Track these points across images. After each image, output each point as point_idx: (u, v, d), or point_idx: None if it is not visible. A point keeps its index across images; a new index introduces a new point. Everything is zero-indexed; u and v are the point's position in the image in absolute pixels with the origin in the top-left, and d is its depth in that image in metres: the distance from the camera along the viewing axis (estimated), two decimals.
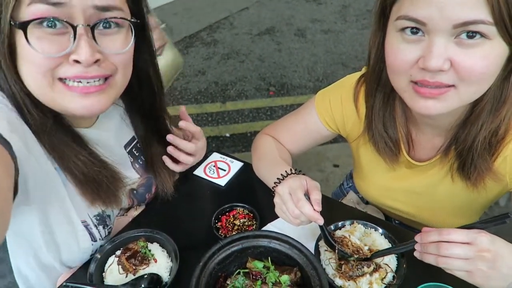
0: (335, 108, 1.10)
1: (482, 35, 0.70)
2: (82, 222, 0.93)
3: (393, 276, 0.89)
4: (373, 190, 1.15)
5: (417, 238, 0.79)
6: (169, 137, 1.06)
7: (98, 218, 0.96)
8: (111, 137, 1.02)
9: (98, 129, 0.97)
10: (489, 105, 0.82)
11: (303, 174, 0.97)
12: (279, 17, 4.65)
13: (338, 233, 0.96)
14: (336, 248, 0.90)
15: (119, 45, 0.78)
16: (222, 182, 1.21)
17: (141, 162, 1.11)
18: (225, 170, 1.24)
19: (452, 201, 1.01)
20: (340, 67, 3.65)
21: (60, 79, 0.75)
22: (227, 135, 2.95)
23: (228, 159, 1.28)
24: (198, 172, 1.24)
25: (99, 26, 0.74)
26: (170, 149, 1.08)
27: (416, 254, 0.79)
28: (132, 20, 0.80)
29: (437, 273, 0.79)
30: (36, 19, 0.69)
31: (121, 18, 0.77)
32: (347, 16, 4.66)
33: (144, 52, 0.92)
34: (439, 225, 0.79)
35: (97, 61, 0.75)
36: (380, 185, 1.11)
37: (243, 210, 1.08)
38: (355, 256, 0.90)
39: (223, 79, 3.57)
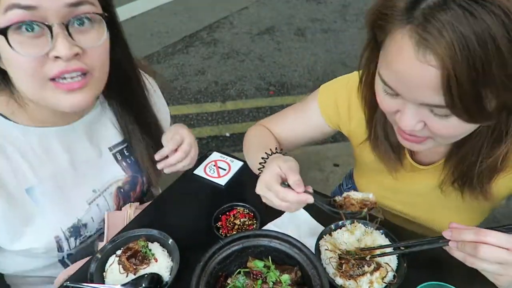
0: (341, 103, 1.07)
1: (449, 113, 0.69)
2: (55, 237, 0.96)
3: (394, 275, 0.89)
4: (374, 190, 1.13)
5: (446, 234, 0.76)
6: (156, 157, 1.04)
7: (71, 230, 0.99)
8: (93, 136, 1.05)
9: (79, 124, 1.00)
10: (484, 137, 0.81)
11: (284, 154, 0.95)
12: (279, 16, 4.64)
13: (338, 198, 0.88)
14: (341, 212, 0.85)
15: (94, 39, 0.81)
16: (222, 181, 1.21)
17: (129, 162, 1.12)
18: (225, 170, 1.24)
19: (455, 204, 1.00)
20: (340, 67, 3.65)
21: (51, 80, 0.80)
22: (227, 134, 2.95)
23: (228, 159, 1.28)
24: (198, 171, 1.24)
25: (73, 24, 0.78)
26: (160, 166, 1.04)
27: (447, 248, 0.78)
28: (104, 14, 0.83)
29: (438, 272, 0.79)
30: (14, 24, 0.73)
31: (93, 13, 0.80)
32: (347, 15, 4.66)
33: (117, 45, 0.94)
34: (440, 228, 0.79)
35: (76, 55, 0.78)
36: (381, 185, 1.11)
37: (244, 209, 1.08)
38: (364, 211, 0.83)
39: (223, 78, 3.57)
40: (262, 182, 0.87)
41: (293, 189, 0.83)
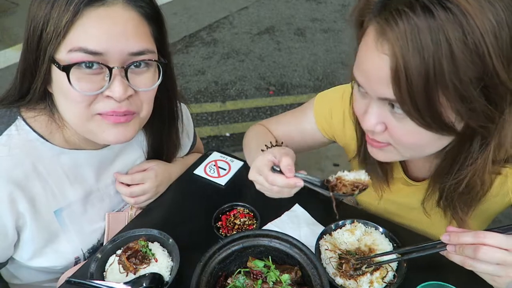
0: (335, 116, 1.07)
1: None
2: (75, 258, 0.98)
3: (394, 275, 0.89)
4: (369, 199, 1.13)
5: (444, 238, 0.76)
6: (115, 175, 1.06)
7: (91, 251, 1.01)
8: (121, 155, 1.07)
9: (110, 149, 1.03)
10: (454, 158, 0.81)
11: (285, 146, 0.95)
12: (279, 16, 4.64)
13: (332, 178, 0.85)
14: (331, 195, 0.83)
15: (148, 83, 0.85)
16: (223, 181, 1.21)
17: None
18: (225, 170, 1.24)
19: (466, 225, 0.97)
20: (340, 66, 3.65)
21: (98, 114, 0.83)
22: (227, 134, 2.95)
23: (229, 159, 1.28)
24: (199, 171, 1.24)
25: (131, 67, 0.81)
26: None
27: (444, 253, 0.78)
28: (161, 60, 0.87)
29: (438, 272, 0.79)
30: (77, 63, 0.76)
31: (152, 60, 0.84)
32: (347, 15, 4.66)
33: (166, 86, 0.97)
34: (437, 238, 0.79)
35: (129, 97, 0.82)
36: (375, 196, 1.08)
37: (244, 209, 1.08)
38: (356, 192, 0.82)
39: (223, 78, 3.57)
40: (253, 167, 0.87)
41: (283, 174, 0.82)
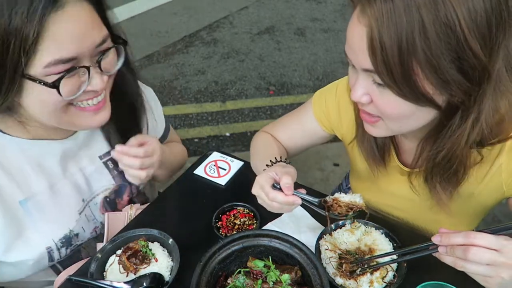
0: (331, 108, 1.11)
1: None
2: (46, 248, 0.96)
3: (394, 275, 0.89)
4: (369, 194, 1.13)
5: (435, 239, 0.76)
6: (117, 148, 0.99)
7: (63, 240, 0.99)
8: (84, 147, 1.05)
9: (73, 139, 1.01)
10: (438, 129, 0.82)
11: (289, 163, 0.99)
12: (279, 16, 4.64)
13: (329, 199, 0.91)
14: (327, 214, 0.89)
15: (114, 63, 0.89)
16: (223, 181, 1.21)
17: (120, 170, 1.09)
18: (225, 170, 1.24)
19: (448, 208, 0.99)
20: (340, 66, 3.65)
21: (71, 103, 0.84)
22: (227, 134, 2.95)
23: (229, 158, 1.28)
24: (199, 171, 1.24)
25: (102, 59, 0.83)
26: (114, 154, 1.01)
27: (436, 254, 0.78)
28: (121, 41, 0.89)
29: (437, 272, 0.79)
30: (62, 75, 0.77)
31: (114, 46, 0.86)
32: (347, 14, 4.63)
33: (124, 70, 0.97)
34: (435, 232, 0.79)
35: None
36: (375, 189, 1.10)
37: (244, 209, 1.08)
38: (350, 214, 0.88)
39: (223, 78, 3.57)
40: (257, 183, 0.92)
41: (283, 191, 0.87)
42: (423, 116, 0.78)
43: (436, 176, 0.89)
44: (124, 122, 1.06)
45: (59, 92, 0.77)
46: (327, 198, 0.91)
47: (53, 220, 0.98)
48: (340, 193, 0.90)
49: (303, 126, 1.18)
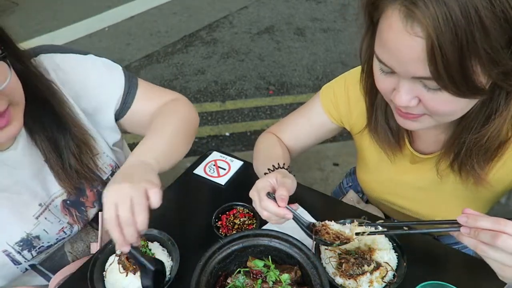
0: (340, 99, 1.11)
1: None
2: (3, 252, 0.95)
3: (394, 275, 0.89)
4: (376, 184, 1.15)
5: (461, 219, 0.74)
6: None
7: (21, 243, 0.98)
8: (28, 155, 0.99)
9: (13, 149, 0.96)
10: (480, 113, 0.82)
11: (290, 171, 0.98)
12: (279, 16, 4.64)
13: (317, 224, 0.90)
14: (313, 238, 0.87)
15: (2, 77, 0.80)
16: (222, 181, 1.21)
17: None
18: (225, 169, 1.24)
19: (456, 197, 1.01)
20: (339, 66, 3.65)
21: None
22: (227, 134, 2.95)
23: (228, 158, 1.28)
24: (198, 171, 1.24)
25: None
26: None
27: (454, 233, 0.76)
28: (2, 54, 0.81)
29: (437, 271, 0.79)
30: None
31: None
32: (347, 14, 4.65)
33: (31, 77, 0.91)
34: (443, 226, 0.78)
35: None
36: (383, 179, 1.11)
37: (243, 209, 1.08)
38: (336, 243, 0.86)
39: (222, 78, 3.57)
40: (254, 188, 0.91)
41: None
42: (471, 105, 0.79)
43: (472, 157, 0.88)
44: (45, 122, 0.98)
45: None
46: (316, 222, 0.89)
47: (5, 226, 0.96)
48: (331, 222, 0.89)
49: (309, 119, 1.18)
